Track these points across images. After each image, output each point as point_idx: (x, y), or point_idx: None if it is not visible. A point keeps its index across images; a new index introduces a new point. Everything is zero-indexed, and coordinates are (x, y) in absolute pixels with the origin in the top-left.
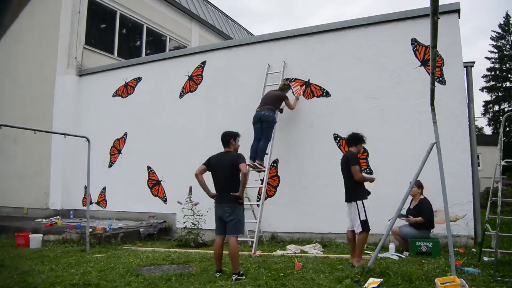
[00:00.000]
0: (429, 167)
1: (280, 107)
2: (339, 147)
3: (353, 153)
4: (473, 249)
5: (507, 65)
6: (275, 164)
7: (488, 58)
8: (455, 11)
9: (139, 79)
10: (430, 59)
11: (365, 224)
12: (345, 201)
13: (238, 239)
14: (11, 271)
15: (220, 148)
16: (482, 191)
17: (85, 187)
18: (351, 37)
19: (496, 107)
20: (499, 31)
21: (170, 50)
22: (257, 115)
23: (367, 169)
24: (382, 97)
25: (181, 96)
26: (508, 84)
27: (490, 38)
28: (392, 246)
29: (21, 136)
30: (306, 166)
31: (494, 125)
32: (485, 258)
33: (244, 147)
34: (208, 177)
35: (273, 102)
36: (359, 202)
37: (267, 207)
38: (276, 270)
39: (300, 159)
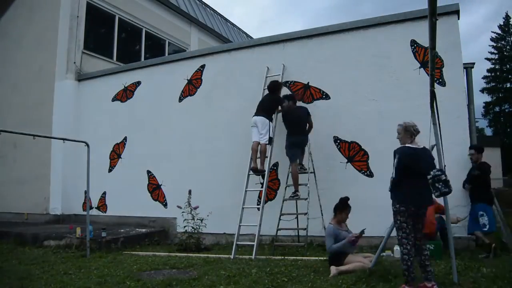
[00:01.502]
0: None
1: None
2: (339, 149)
3: None
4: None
5: (507, 66)
6: (275, 167)
7: (488, 59)
8: (455, 12)
9: (138, 83)
10: (429, 61)
11: None
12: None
13: (238, 242)
14: (11, 276)
15: (220, 151)
16: None
17: (85, 192)
18: (350, 39)
19: (497, 108)
20: (499, 32)
21: (169, 54)
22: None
23: (368, 171)
24: (382, 99)
25: (180, 100)
26: (508, 85)
27: (490, 39)
28: (397, 248)
29: (20, 141)
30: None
31: (495, 126)
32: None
33: (244, 150)
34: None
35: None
36: None
37: (267, 210)
38: (276, 274)
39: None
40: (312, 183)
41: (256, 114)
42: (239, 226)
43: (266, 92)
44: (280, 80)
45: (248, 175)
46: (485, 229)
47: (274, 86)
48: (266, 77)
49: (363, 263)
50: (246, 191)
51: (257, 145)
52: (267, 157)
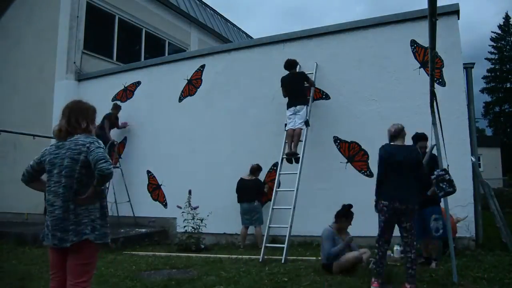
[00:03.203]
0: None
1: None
2: (339, 149)
3: None
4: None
5: (507, 66)
6: (275, 167)
7: (488, 59)
8: (455, 12)
9: (138, 83)
10: (429, 61)
11: None
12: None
13: (268, 244)
14: (11, 276)
15: (220, 151)
16: (483, 193)
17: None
18: (350, 39)
19: (497, 108)
20: (499, 32)
21: (169, 54)
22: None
23: (368, 171)
24: (382, 99)
25: (180, 100)
26: (508, 85)
27: (490, 39)
28: (397, 248)
29: (20, 141)
30: (306, 169)
31: (495, 126)
32: None
33: (244, 150)
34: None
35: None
36: None
37: (267, 210)
38: (276, 274)
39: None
40: (313, 182)
41: (293, 104)
42: (269, 227)
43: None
44: (313, 79)
45: (279, 174)
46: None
47: (294, 62)
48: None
49: (359, 253)
50: (276, 191)
51: (292, 131)
52: (301, 141)
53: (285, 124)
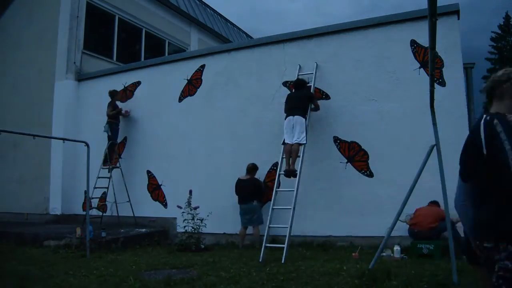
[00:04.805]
0: (429, 169)
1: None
2: (339, 149)
3: None
4: None
5: (508, 66)
6: (275, 168)
7: (489, 59)
8: (455, 12)
9: (138, 83)
10: (429, 61)
11: None
12: None
13: (268, 245)
14: (11, 276)
15: (220, 150)
16: None
17: (85, 192)
18: (350, 39)
19: None
20: (499, 32)
21: (169, 54)
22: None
23: (368, 171)
24: (382, 99)
25: (180, 100)
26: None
27: (490, 39)
28: (397, 248)
29: (20, 141)
30: (306, 169)
31: None
32: None
33: (244, 150)
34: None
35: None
36: None
37: (267, 210)
38: (276, 274)
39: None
40: (313, 182)
41: (292, 114)
42: (269, 227)
43: (283, 88)
44: (313, 79)
45: (279, 175)
46: None
47: (304, 83)
48: (298, 75)
49: None
50: (276, 191)
51: (290, 147)
52: (299, 156)
53: (283, 140)
